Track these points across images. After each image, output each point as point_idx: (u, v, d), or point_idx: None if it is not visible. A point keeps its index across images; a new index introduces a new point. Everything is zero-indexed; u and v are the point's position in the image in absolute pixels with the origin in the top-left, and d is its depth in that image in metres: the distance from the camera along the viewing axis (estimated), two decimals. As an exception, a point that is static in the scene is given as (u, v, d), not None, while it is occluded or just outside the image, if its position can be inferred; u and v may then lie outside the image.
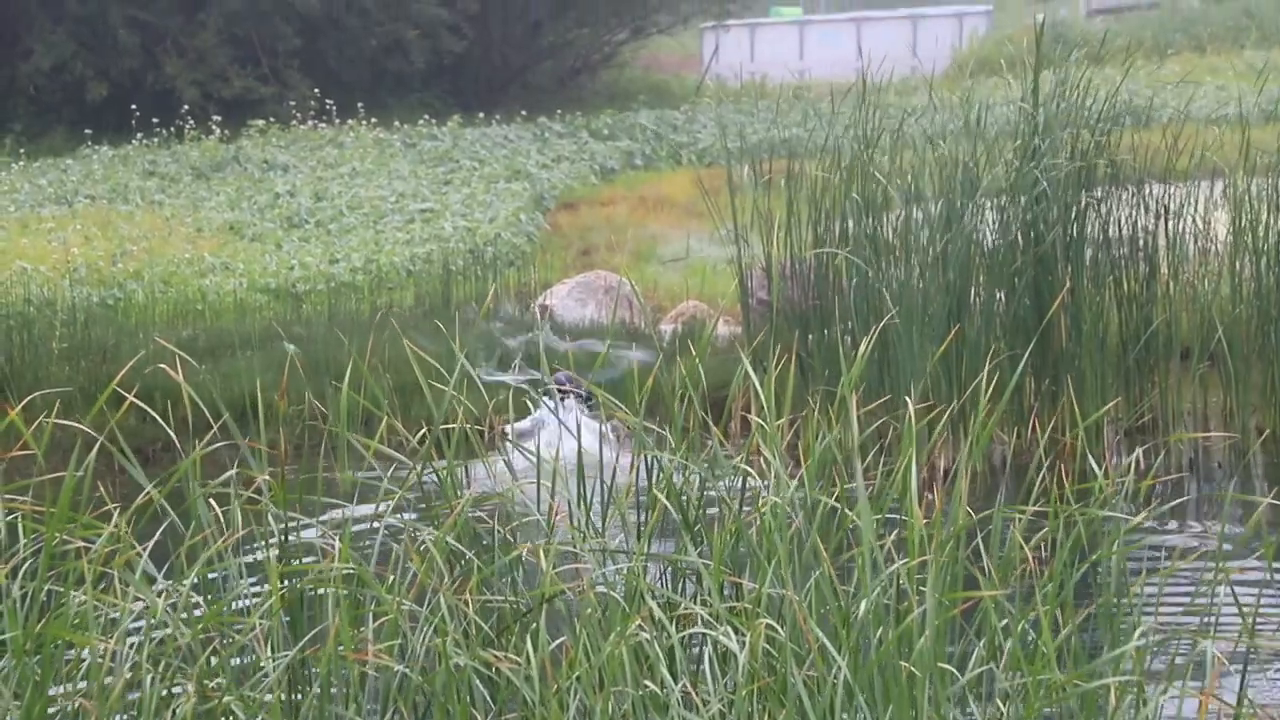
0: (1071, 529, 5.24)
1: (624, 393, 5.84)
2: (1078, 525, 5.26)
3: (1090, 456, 5.81)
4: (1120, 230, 10.45)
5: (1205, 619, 5.26)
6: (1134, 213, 10.51)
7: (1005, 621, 4.97)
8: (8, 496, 4.89)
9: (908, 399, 5.55)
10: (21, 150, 24.57)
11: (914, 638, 4.77)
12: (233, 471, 5.22)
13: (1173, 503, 7.40)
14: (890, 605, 4.96)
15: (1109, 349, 10.13)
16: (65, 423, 5.23)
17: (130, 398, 5.38)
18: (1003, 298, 9.97)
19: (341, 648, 4.73)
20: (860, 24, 40.87)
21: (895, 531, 5.14)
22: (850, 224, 10.20)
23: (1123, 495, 5.50)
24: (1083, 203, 10.14)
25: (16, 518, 4.92)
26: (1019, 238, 10.02)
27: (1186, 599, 5.90)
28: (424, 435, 5.47)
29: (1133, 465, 6.02)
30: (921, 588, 4.84)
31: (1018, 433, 9.62)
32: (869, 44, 37.81)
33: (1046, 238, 9.92)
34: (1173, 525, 8.88)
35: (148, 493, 5.05)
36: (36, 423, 5.21)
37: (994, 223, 10.11)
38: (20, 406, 4.96)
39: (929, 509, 5.06)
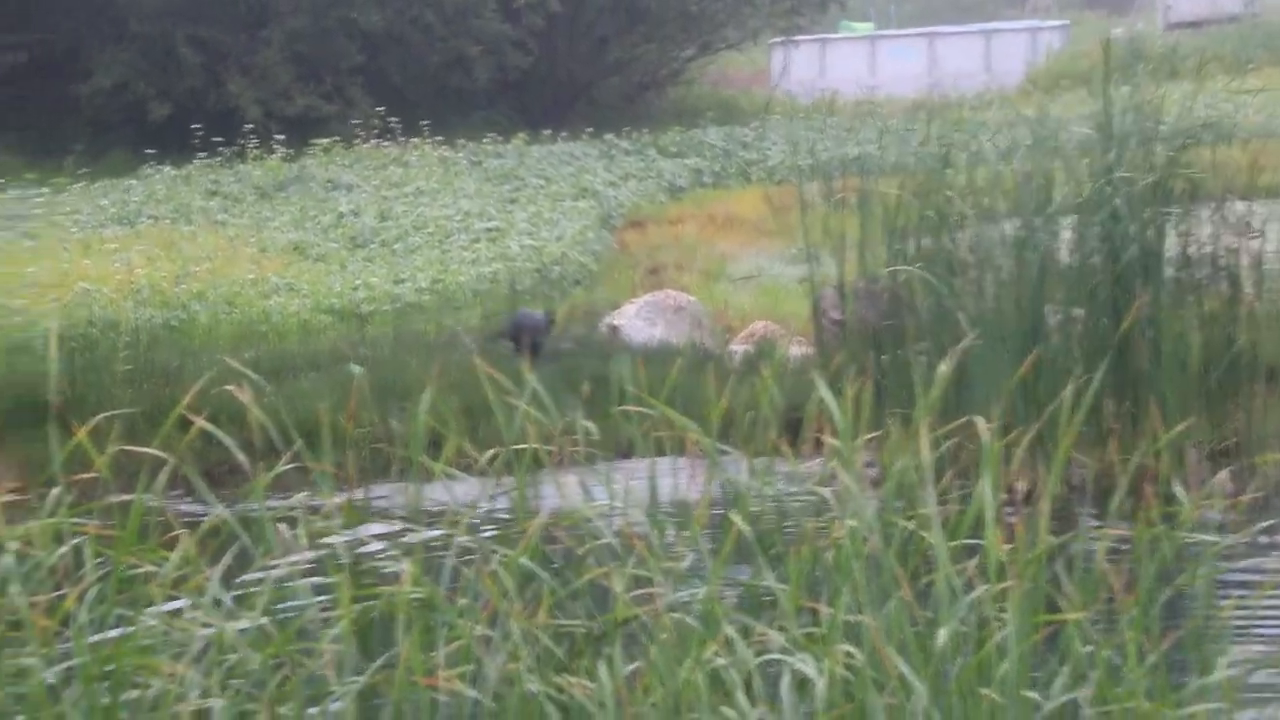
0: (1156, 552, 5.12)
1: (698, 414, 5.76)
2: (1162, 548, 5.14)
3: (1173, 479, 5.70)
4: (1201, 248, 10.27)
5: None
6: (1215, 230, 10.34)
7: (1089, 648, 4.86)
8: (74, 520, 4.83)
9: (983, 420, 5.45)
10: (83, 171, 24.66)
11: (995, 664, 4.67)
12: (301, 495, 5.16)
13: (1260, 525, 7.24)
14: (970, 631, 4.86)
15: (1190, 370, 9.96)
16: (135, 449, 5.18)
17: (199, 421, 5.32)
18: (1080, 317, 9.83)
19: (413, 674, 4.66)
20: (933, 39, 40.71)
21: (975, 556, 5.04)
22: (924, 242, 10.08)
23: (1208, 518, 5.38)
24: (1160, 220, 9.98)
25: (83, 541, 4.87)
26: (1096, 256, 9.88)
27: (1277, 625, 5.77)
28: (493, 456, 5.40)
29: (1218, 488, 5.90)
30: (1002, 613, 4.74)
31: (1098, 455, 9.46)
32: (942, 59, 37.72)
33: (1124, 256, 9.77)
34: (1261, 546, 8.71)
35: (216, 516, 4.99)
36: (114, 447, 5.16)
37: (1070, 240, 9.97)
38: (86, 429, 4.91)
39: (1009, 533, 4.96)
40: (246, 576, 4.97)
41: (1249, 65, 29.44)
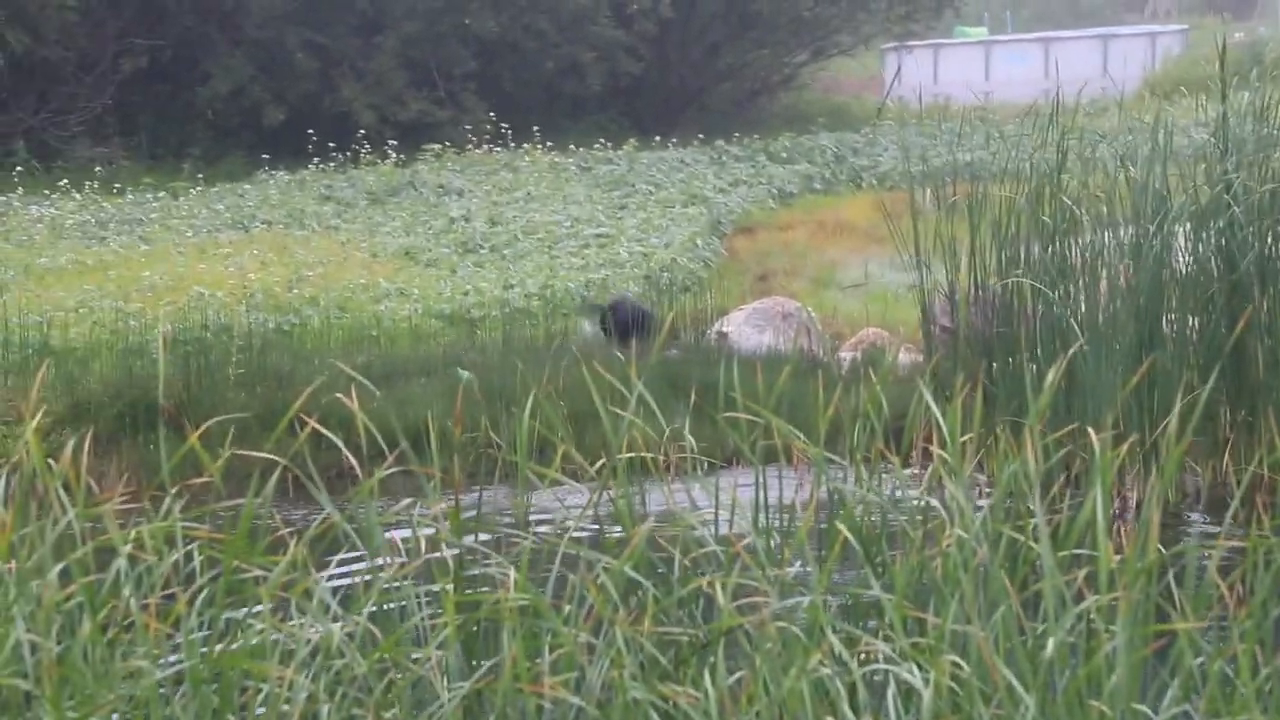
0: (1270, 564, 5.05)
1: (804, 421, 5.73)
2: (1276, 560, 5.07)
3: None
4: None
5: None
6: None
7: (1201, 660, 4.80)
8: (186, 524, 4.87)
9: (1094, 430, 5.39)
10: (200, 175, 24.93)
11: (1104, 676, 4.62)
12: (410, 500, 5.18)
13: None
14: (1079, 642, 4.81)
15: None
16: (247, 453, 5.22)
17: (311, 423, 5.35)
18: (1196, 325, 9.71)
19: (518, 680, 4.66)
20: (1048, 44, 40.37)
21: (1086, 567, 4.98)
22: (1036, 249, 9.99)
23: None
24: (1278, 228, 9.85)
25: (194, 546, 4.91)
26: (1213, 263, 9.76)
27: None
28: (599, 464, 5.40)
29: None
30: (1112, 624, 4.68)
31: (1212, 465, 9.35)
32: (1057, 65, 37.39)
33: (1240, 264, 9.65)
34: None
35: (324, 520, 5.01)
36: (226, 451, 5.21)
37: (1186, 248, 9.85)
38: (199, 433, 4.95)
39: (1120, 542, 4.90)
40: (340, 573, 4.99)
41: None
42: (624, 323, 13.14)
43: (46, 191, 22.70)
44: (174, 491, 4.84)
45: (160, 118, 28.78)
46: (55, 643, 4.58)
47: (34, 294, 15.27)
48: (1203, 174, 10.01)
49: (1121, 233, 9.89)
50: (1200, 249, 9.83)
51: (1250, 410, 9.48)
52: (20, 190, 22.55)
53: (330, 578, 4.99)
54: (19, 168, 24.48)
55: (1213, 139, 10.10)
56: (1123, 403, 8.62)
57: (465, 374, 12.48)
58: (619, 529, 5.23)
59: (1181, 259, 9.88)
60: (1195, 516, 8.76)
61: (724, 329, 13.42)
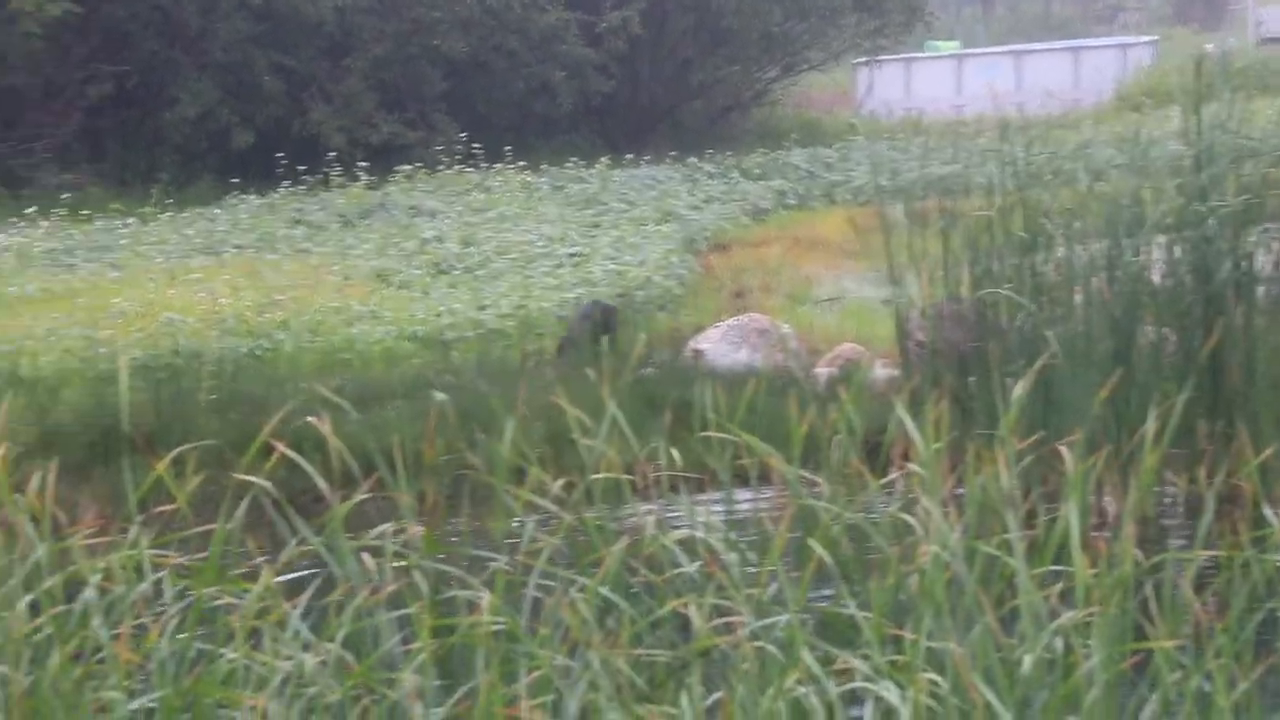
0: (1246, 576, 5.04)
1: (779, 438, 5.71)
2: (1253, 572, 5.06)
3: (1264, 501, 5.61)
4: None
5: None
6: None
7: (1178, 675, 4.78)
8: (155, 552, 4.84)
9: (1067, 444, 5.38)
10: (169, 200, 24.85)
11: (1082, 692, 4.60)
12: (385, 526, 5.15)
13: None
14: (1056, 658, 4.80)
15: (1283, 390, 9.80)
16: (219, 479, 5.18)
17: (281, 447, 5.32)
18: (1172, 337, 9.71)
19: (494, 705, 4.63)
20: (1019, 57, 40.47)
21: (1061, 580, 4.97)
22: (1010, 263, 9.98)
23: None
24: (1254, 239, 9.85)
25: (164, 574, 4.88)
26: (1187, 276, 9.76)
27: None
28: (574, 485, 5.37)
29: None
30: (1088, 640, 4.67)
31: (1190, 477, 9.33)
32: (1029, 77, 37.47)
33: (1216, 276, 9.65)
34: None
35: (296, 545, 4.98)
36: (195, 478, 5.17)
37: (1160, 261, 9.85)
38: (167, 460, 4.91)
39: (1096, 555, 4.89)
40: (326, 605, 4.96)
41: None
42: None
43: (13, 220, 22.57)
44: (142, 520, 4.81)
45: (128, 143, 28.68)
46: (25, 675, 4.55)
47: (2, 323, 15.20)
48: (1177, 186, 10.01)
49: (1095, 246, 9.89)
50: (1175, 261, 9.83)
51: (1228, 421, 9.47)
52: (-13, 218, 22.47)
53: (303, 604, 4.96)
54: (-15, 196, 24.41)
55: (1186, 150, 10.10)
56: (1099, 416, 8.60)
57: (440, 396, 12.44)
58: (595, 551, 5.21)
59: (1156, 272, 9.87)
60: (1173, 527, 8.74)
61: (700, 346, 13.39)
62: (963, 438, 7.26)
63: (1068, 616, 4.72)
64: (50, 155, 26.66)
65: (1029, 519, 5.52)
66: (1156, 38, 42.59)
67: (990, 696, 4.54)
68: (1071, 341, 9.43)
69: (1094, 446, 6.78)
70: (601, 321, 13.06)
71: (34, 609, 4.68)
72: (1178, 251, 9.83)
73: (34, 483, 4.90)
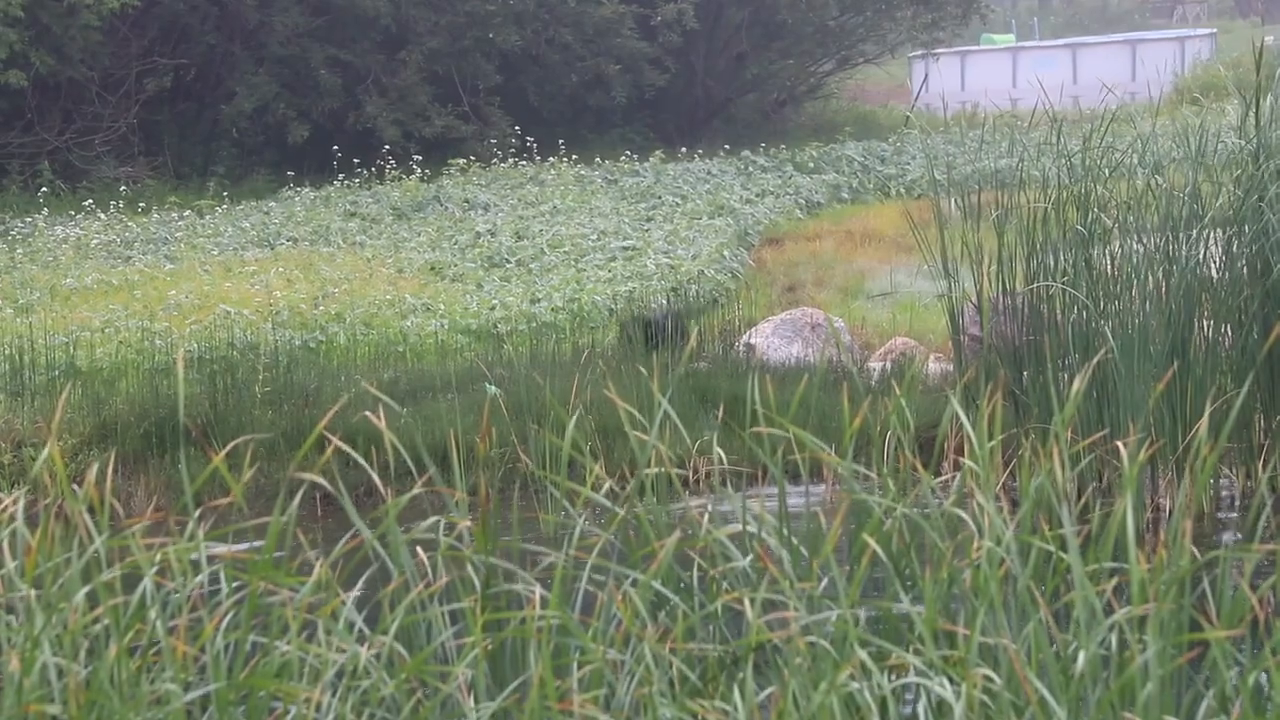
0: (1305, 573, 5.00)
1: (831, 432, 5.70)
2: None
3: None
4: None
5: None
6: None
7: (1235, 670, 4.75)
8: (211, 545, 4.86)
9: (1122, 439, 5.35)
10: (225, 193, 24.97)
11: (1138, 688, 4.58)
12: (436, 519, 5.16)
13: None
14: (1111, 654, 4.77)
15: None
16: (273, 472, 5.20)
17: (335, 441, 5.33)
18: (1229, 332, 9.65)
19: (546, 698, 4.64)
20: (1076, 50, 40.28)
21: (1116, 576, 4.94)
22: (1065, 257, 9.93)
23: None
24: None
25: (219, 567, 4.89)
26: (1244, 270, 9.70)
27: None
28: (627, 479, 5.37)
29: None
30: (1143, 635, 4.64)
31: (1246, 471, 9.28)
32: (1085, 70, 37.27)
33: (1274, 270, 9.58)
34: None
35: (351, 539, 4.99)
36: (250, 470, 5.19)
37: (1218, 255, 9.78)
38: (222, 454, 4.93)
39: (1152, 551, 4.86)
40: (379, 599, 4.97)
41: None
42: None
43: (72, 212, 22.76)
44: (198, 513, 4.83)
45: (185, 136, 28.85)
46: (82, 666, 4.57)
47: (60, 315, 15.30)
48: (1234, 180, 9.94)
49: (1151, 240, 9.83)
50: (1232, 256, 9.76)
51: (1289, 416, 9.41)
52: (45, 211, 22.61)
53: (358, 595, 4.97)
54: (44, 188, 24.55)
55: (1245, 144, 10.03)
56: (1155, 411, 8.56)
57: (492, 388, 12.48)
58: (648, 545, 5.21)
59: (1213, 266, 9.81)
60: (1230, 522, 8.70)
61: (752, 340, 13.37)
62: (1016, 432, 7.24)
63: (1123, 612, 4.70)
64: (108, 148, 26.80)
65: (1083, 513, 5.50)
66: (1215, 30, 42.30)
67: (1045, 692, 4.52)
68: (1127, 336, 9.39)
69: (1149, 441, 6.75)
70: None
71: (91, 600, 4.70)
72: (1235, 246, 9.77)
73: (92, 474, 4.93)
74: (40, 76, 25.82)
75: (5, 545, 4.83)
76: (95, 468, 4.94)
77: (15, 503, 4.91)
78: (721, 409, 6.99)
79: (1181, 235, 9.70)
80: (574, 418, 5.52)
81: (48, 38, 25.85)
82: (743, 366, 12.15)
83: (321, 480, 4.91)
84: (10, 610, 4.76)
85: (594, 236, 19.33)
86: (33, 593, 4.67)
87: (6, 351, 12.82)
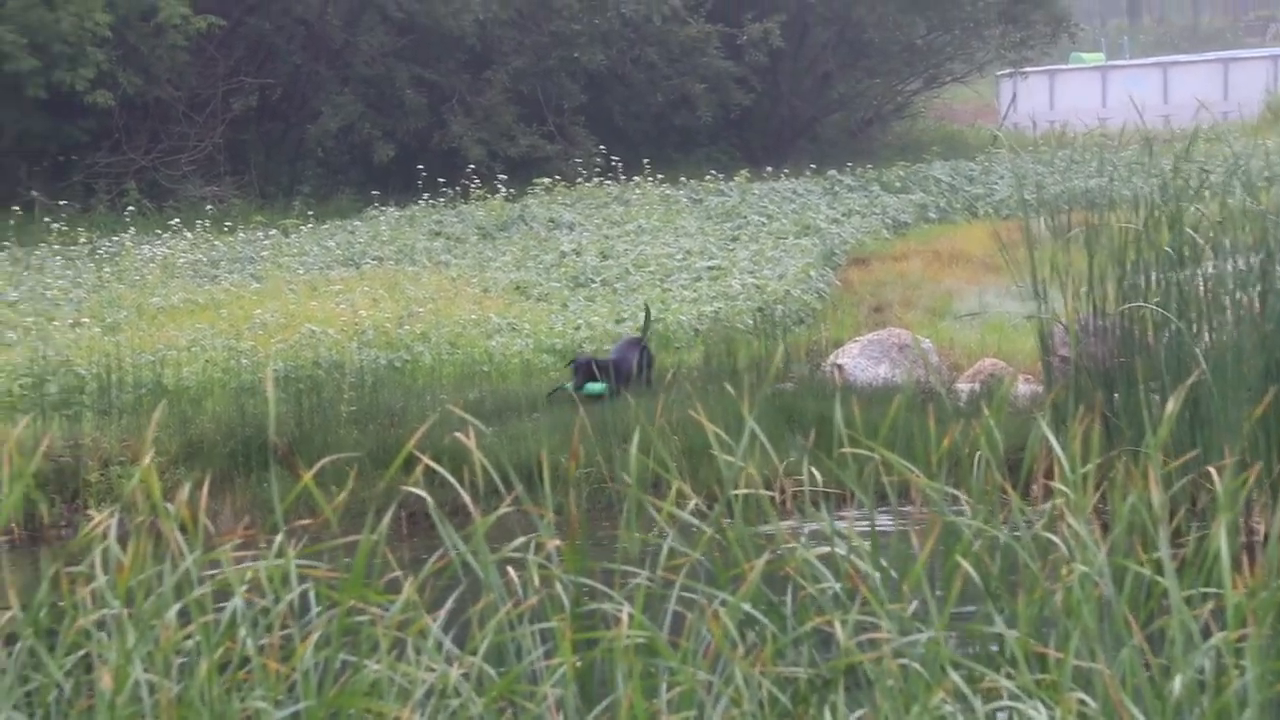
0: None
1: (919, 453, 5.65)
2: None
3: None
4: None
5: None
6: None
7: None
8: (301, 563, 4.87)
9: (1215, 463, 5.28)
10: (310, 212, 25.10)
11: (1235, 713, 4.52)
12: (526, 537, 5.15)
13: None
14: (1208, 679, 4.71)
15: None
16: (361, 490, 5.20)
17: (424, 459, 5.33)
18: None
19: (635, 719, 4.62)
20: (1167, 69, 40.00)
21: (1211, 600, 4.88)
22: (1156, 277, 9.83)
23: None
24: None
25: (309, 585, 4.90)
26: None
27: None
28: (716, 499, 5.35)
29: None
30: (1240, 660, 4.58)
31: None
32: (1177, 89, 37.02)
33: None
34: None
35: (439, 559, 4.99)
36: (341, 490, 5.19)
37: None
38: (311, 473, 4.94)
39: (1247, 575, 4.80)
40: (468, 618, 4.96)
41: None
42: (624, 373, 12.91)
43: (158, 231, 22.93)
44: (287, 530, 4.84)
45: (270, 156, 29.05)
46: (174, 683, 4.59)
47: (147, 333, 15.40)
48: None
49: (1244, 261, 9.72)
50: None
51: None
52: (133, 230, 22.79)
53: (447, 614, 4.97)
54: (131, 207, 24.76)
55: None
56: (1249, 433, 8.46)
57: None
58: (737, 566, 5.18)
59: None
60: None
61: (839, 361, 13.32)
62: (1107, 454, 7.16)
63: (1220, 636, 4.64)
64: (194, 167, 27.01)
65: (1175, 537, 5.43)
66: (1309, 48, 41.93)
67: (1140, 717, 4.47)
68: (1220, 358, 9.28)
69: (1243, 464, 6.66)
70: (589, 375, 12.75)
71: (183, 618, 4.72)
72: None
73: (183, 492, 4.94)
74: (127, 96, 26.06)
75: (98, 562, 4.85)
76: (187, 487, 4.96)
77: (109, 520, 4.93)
78: (813, 432, 6.95)
79: (1276, 255, 9.59)
80: (656, 436, 5.51)
81: (135, 58, 26.09)
82: (830, 387, 12.09)
83: (424, 494, 4.91)
84: (102, 627, 4.78)
85: (679, 256, 19.31)
86: (125, 610, 4.69)
87: (94, 370, 12.91)
